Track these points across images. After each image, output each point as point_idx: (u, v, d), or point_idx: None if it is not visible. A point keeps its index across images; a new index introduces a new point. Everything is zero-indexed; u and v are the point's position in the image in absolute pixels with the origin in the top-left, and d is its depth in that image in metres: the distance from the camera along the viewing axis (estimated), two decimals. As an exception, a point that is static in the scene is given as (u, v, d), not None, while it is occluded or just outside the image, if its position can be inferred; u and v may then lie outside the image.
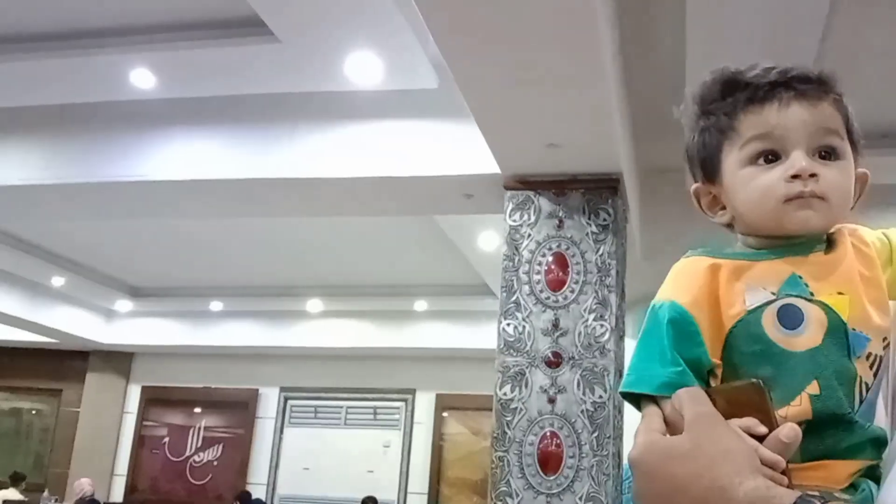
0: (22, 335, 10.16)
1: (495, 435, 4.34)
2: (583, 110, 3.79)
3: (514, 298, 4.47)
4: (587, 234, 4.48)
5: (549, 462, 4.24)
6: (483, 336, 8.16)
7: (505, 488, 4.25)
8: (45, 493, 8.91)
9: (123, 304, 10.13)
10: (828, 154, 0.81)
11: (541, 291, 4.45)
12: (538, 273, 4.48)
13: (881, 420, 0.79)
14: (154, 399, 10.90)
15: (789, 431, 0.70)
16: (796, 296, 0.77)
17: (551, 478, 4.22)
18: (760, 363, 0.76)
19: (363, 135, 4.94)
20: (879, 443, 0.76)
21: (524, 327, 4.42)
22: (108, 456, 10.72)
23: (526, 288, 4.47)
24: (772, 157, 0.81)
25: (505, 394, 4.36)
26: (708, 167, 0.87)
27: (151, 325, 10.34)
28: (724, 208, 0.87)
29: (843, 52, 3.73)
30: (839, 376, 0.75)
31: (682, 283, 0.80)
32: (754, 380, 0.73)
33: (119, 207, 5.92)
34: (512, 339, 4.42)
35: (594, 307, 4.35)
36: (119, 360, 10.94)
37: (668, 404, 0.74)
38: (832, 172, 0.80)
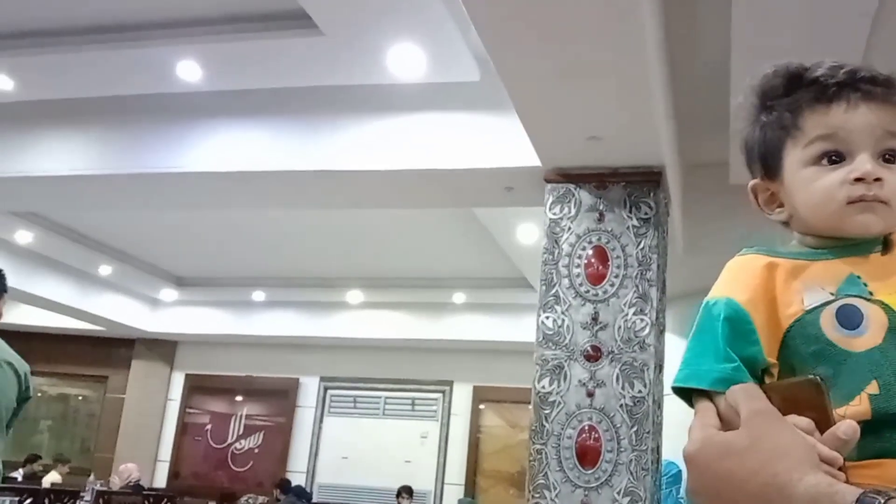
0: (70, 322, 10.40)
1: (533, 428, 4.34)
2: (625, 103, 3.77)
3: (553, 291, 4.47)
4: (628, 227, 4.46)
5: (587, 456, 4.24)
6: (521, 329, 8.17)
7: (543, 481, 4.25)
8: (91, 477, 9.10)
9: (168, 294, 10.32)
10: (892, 158, 0.80)
11: (580, 285, 4.44)
12: (578, 266, 4.47)
13: None
14: (197, 387, 11.09)
15: (847, 428, 0.69)
16: (856, 296, 0.77)
17: (589, 471, 4.21)
18: (819, 363, 0.75)
19: (405, 127, 4.96)
20: None
21: (563, 321, 4.41)
22: (152, 442, 10.94)
23: (566, 281, 4.46)
24: (836, 157, 0.80)
25: (543, 387, 4.37)
26: (768, 163, 0.86)
27: (195, 314, 10.52)
28: (781, 206, 0.87)
29: (892, 45, 3.66)
30: None
31: (738, 280, 0.80)
32: (812, 376, 0.72)
33: (165, 198, 6.03)
34: (551, 333, 4.42)
35: (634, 301, 4.33)
36: (163, 348, 11.16)
37: (722, 400, 0.74)
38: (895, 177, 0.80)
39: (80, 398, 11.69)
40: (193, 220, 7.75)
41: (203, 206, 6.55)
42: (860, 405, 0.74)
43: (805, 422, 0.69)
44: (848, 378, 0.74)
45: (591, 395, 4.30)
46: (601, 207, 4.51)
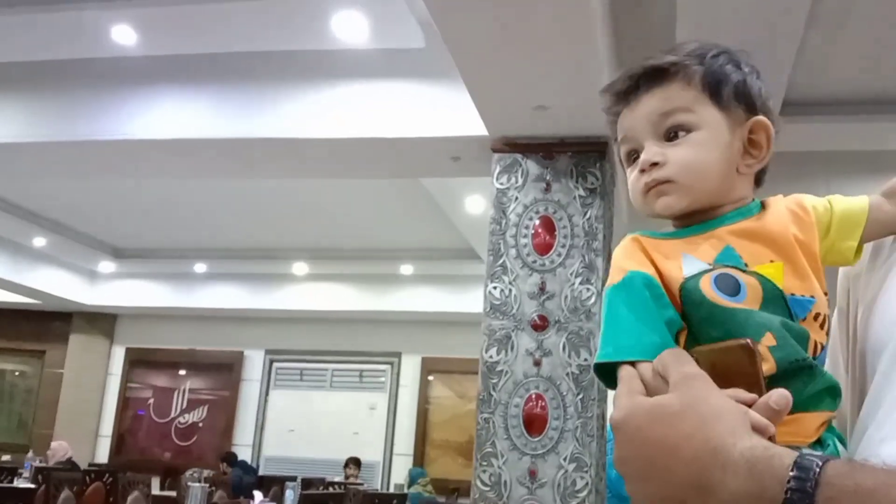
0: (4, 296, 10.10)
1: (481, 397, 4.36)
2: (571, 72, 3.76)
3: (500, 262, 4.47)
4: (575, 197, 4.48)
5: (533, 423, 4.28)
6: (468, 300, 8.20)
7: (490, 449, 4.28)
8: (30, 454, 8.90)
9: (106, 266, 10.07)
10: (675, 134, 0.83)
11: (528, 255, 4.45)
12: (525, 237, 4.48)
13: (839, 376, 0.79)
14: (138, 361, 10.90)
15: (779, 398, 0.66)
16: (732, 266, 0.77)
17: (536, 439, 4.26)
18: (711, 325, 0.75)
19: (349, 95, 4.88)
20: (835, 392, 0.76)
21: (511, 290, 4.42)
22: (93, 417, 10.74)
23: (513, 251, 4.47)
24: (635, 155, 0.85)
25: (491, 356, 4.38)
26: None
27: (135, 287, 10.29)
28: None
29: (833, 15, 3.71)
30: (787, 326, 0.75)
31: (629, 258, 0.81)
32: (743, 340, 0.70)
33: (101, 166, 5.85)
34: (498, 303, 4.43)
35: (581, 271, 4.35)
36: (103, 322, 10.91)
37: (647, 368, 0.72)
38: (678, 151, 0.82)
39: (16, 373, 11.40)
40: (132, 189, 7.54)
41: (142, 175, 6.37)
42: (765, 360, 0.72)
43: (743, 395, 0.67)
44: (743, 334, 0.73)
45: (538, 364, 4.33)
46: (548, 177, 4.52)
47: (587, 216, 4.42)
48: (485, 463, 4.28)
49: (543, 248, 4.45)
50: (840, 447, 0.75)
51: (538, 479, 4.21)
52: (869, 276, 0.83)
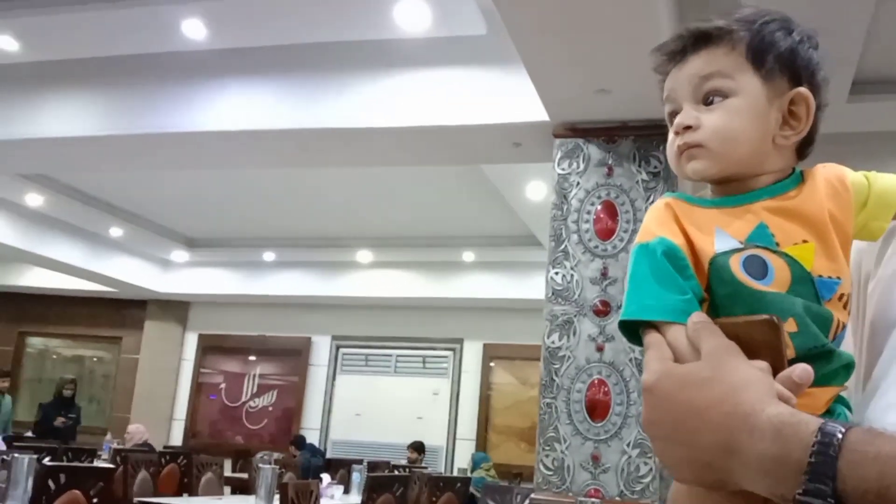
0: (83, 284, 10.50)
1: (543, 382, 4.38)
2: (634, 54, 3.72)
3: (562, 247, 4.47)
4: (637, 181, 4.44)
5: (596, 409, 4.28)
6: (529, 287, 8.20)
7: (553, 434, 4.30)
8: (108, 436, 9.24)
9: (179, 255, 10.38)
10: (712, 99, 0.83)
11: (589, 240, 4.44)
12: (587, 222, 4.46)
13: (848, 345, 0.80)
14: (210, 347, 11.20)
15: (802, 373, 0.69)
16: (763, 247, 0.77)
17: (599, 424, 4.25)
18: (735, 303, 0.76)
19: (412, 84, 4.93)
20: (850, 368, 0.77)
21: (573, 276, 4.42)
22: (167, 401, 11.09)
23: (574, 237, 4.46)
24: (675, 115, 0.86)
25: (553, 342, 4.39)
26: None
27: (206, 275, 10.58)
28: None
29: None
30: (810, 312, 0.75)
31: (660, 223, 0.81)
32: (769, 316, 0.71)
33: (171, 159, 6.03)
34: (560, 288, 4.43)
35: (643, 256, 4.32)
36: (176, 309, 11.25)
37: (676, 334, 0.73)
38: (712, 116, 0.82)
39: (94, 359, 11.84)
40: (202, 180, 7.75)
41: (210, 166, 6.55)
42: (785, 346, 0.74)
43: (764, 365, 0.70)
44: None
45: (600, 349, 4.32)
46: (610, 162, 4.49)
47: (650, 200, 4.38)
48: (547, 448, 4.30)
49: (605, 234, 4.43)
50: (848, 414, 0.77)
51: (601, 465, 4.21)
52: (884, 249, 0.83)
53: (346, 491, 6.40)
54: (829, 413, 0.75)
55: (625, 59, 3.78)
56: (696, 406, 0.68)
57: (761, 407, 0.65)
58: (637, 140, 4.45)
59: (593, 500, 3.60)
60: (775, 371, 0.70)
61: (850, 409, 0.78)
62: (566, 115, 4.45)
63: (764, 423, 0.64)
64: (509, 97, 4.66)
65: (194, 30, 5.01)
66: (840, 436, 0.60)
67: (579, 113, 4.39)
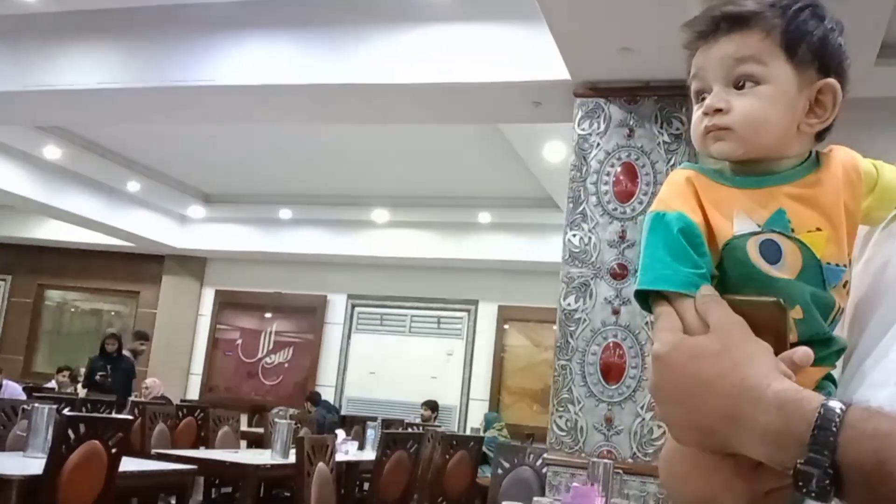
0: (100, 238, 10.56)
1: (558, 344, 4.37)
2: (658, 11, 3.64)
3: (580, 209, 4.43)
4: (658, 143, 4.38)
5: (611, 371, 4.28)
6: (546, 249, 8.17)
7: (567, 395, 4.30)
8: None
9: (196, 210, 10.41)
10: (743, 83, 0.83)
11: (608, 202, 4.39)
12: (606, 184, 4.41)
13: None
14: (227, 303, 11.29)
15: (803, 355, 0.72)
16: (779, 232, 0.80)
17: (613, 387, 4.26)
18: (747, 284, 0.78)
19: (431, 40, 4.86)
20: (841, 352, 0.81)
21: (590, 238, 4.39)
22: (185, 356, 11.22)
23: (593, 199, 4.41)
24: (704, 95, 0.86)
25: (569, 304, 4.38)
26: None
27: (223, 231, 10.62)
28: None
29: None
30: (815, 300, 0.79)
31: (681, 198, 0.82)
32: (777, 298, 0.74)
33: (190, 112, 6.01)
34: (577, 251, 4.40)
35: (663, 218, 4.27)
36: (193, 265, 11.32)
37: (686, 307, 0.76)
38: (743, 101, 0.82)
39: (112, 313, 11.96)
40: (220, 136, 7.73)
41: (228, 120, 6.52)
42: (789, 331, 0.78)
43: (771, 347, 0.73)
44: None
45: (616, 312, 4.31)
46: (631, 123, 4.43)
47: (671, 163, 4.32)
48: (561, 409, 4.31)
49: (625, 196, 4.39)
50: (833, 390, 0.80)
51: (614, 426, 4.22)
52: (870, 233, 0.87)
53: (361, 447, 6.47)
54: (818, 388, 0.79)
55: (649, 17, 3.70)
56: (704, 378, 0.72)
57: (767, 382, 0.69)
58: (659, 101, 4.38)
59: (605, 461, 3.62)
60: (776, 352, 0.73)
61: (835, 384, 0.82)
62: (588, 74, 4.38)
63: (769, 397, 0.68)
64: (530, 55, 4.59)
65: (213, -18, 4.95)
66: (841, 413, 0.64)
67: (601, 72, 4.32)
